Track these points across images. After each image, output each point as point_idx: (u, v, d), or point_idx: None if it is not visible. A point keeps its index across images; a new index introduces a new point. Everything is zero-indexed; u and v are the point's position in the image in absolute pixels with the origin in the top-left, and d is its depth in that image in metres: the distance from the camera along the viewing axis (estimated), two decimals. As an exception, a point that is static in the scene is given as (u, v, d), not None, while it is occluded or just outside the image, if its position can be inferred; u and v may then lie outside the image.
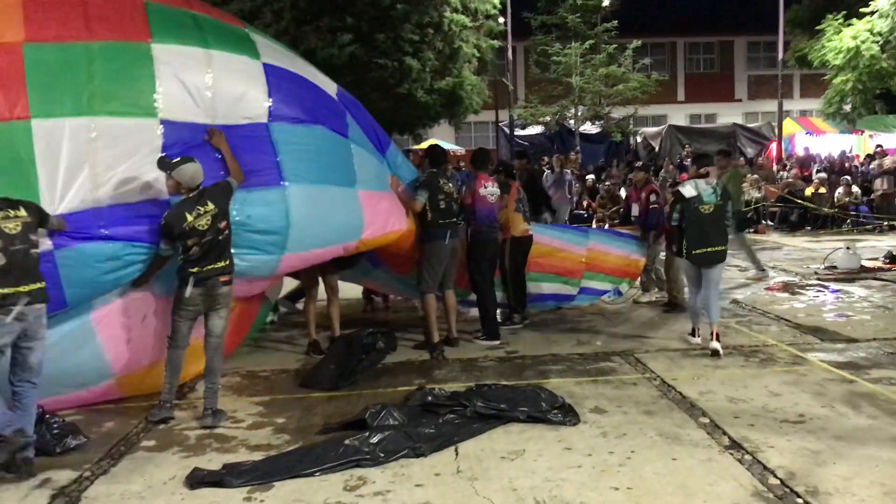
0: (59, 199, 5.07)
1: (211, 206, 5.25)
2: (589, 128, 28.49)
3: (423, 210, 6.86)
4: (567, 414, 5.17)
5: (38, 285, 4.56)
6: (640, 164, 10.63)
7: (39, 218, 4.72)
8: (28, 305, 4.46)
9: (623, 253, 8.53)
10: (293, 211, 5.70)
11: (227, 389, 5.97)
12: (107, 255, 5.15)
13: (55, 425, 4.95)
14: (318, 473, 4.39)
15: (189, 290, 5.22)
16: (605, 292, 8.61)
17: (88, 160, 5.19)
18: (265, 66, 6.00)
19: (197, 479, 4.33)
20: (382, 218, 6.39)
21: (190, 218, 5.14)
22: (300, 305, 8.29)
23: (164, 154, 5.31)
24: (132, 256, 5.26)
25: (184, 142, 5.49)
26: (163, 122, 5.47)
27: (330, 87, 6.69)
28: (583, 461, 4.48)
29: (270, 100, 5.91)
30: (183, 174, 5.18)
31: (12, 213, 4.53)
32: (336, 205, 6.01)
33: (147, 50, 5.55)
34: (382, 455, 4.55)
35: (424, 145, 26.36)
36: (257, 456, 4.70)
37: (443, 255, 7.03)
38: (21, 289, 4.45)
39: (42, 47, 5.29)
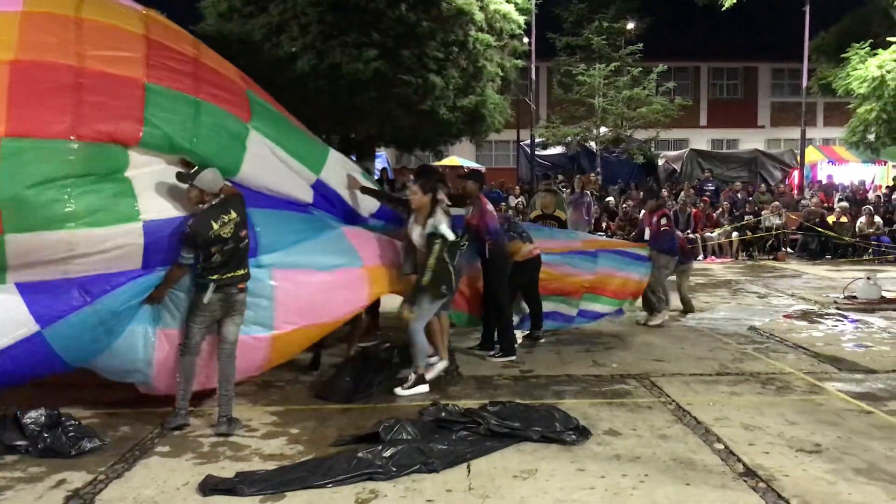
0: None
1: (234, 214, 5.34)
2: (610, 149, 28.49)
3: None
4: (581, 435, 5.16)
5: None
6: (648, 188, 10.64)
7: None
8: None
9: (629, 275, 8.55)
10: None
11: (242, 398, 6.00)
12: None
13: (71, 428, 5.00)
14: (330, 485, 4.41)
15: (208, 297, 5.29)
16: (604, 315, 8.63)
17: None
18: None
19: (210, 487, 4.36)
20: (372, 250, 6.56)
21: (216, 226, 5.22)
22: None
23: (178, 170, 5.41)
24: None
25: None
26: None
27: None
28: (596, 483, 4.46)
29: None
30: (204, 181, 5.25)
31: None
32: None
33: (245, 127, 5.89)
34: (395, 469, 4.56)
35: (445, 162, 26.49)
36: (270, 465, 4.72)
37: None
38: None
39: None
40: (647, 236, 9.53)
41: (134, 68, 5.42)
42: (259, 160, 5.95)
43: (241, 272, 5.41)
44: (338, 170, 6.89)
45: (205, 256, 5.26)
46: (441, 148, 23.81)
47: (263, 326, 5.75)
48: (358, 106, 17.00)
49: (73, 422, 5.07)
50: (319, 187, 6.58)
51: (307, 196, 6.48)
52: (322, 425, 5.50)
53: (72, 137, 4.93)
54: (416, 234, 6.43)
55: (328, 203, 6.74)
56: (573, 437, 5.11)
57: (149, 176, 5.33)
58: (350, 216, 6.96)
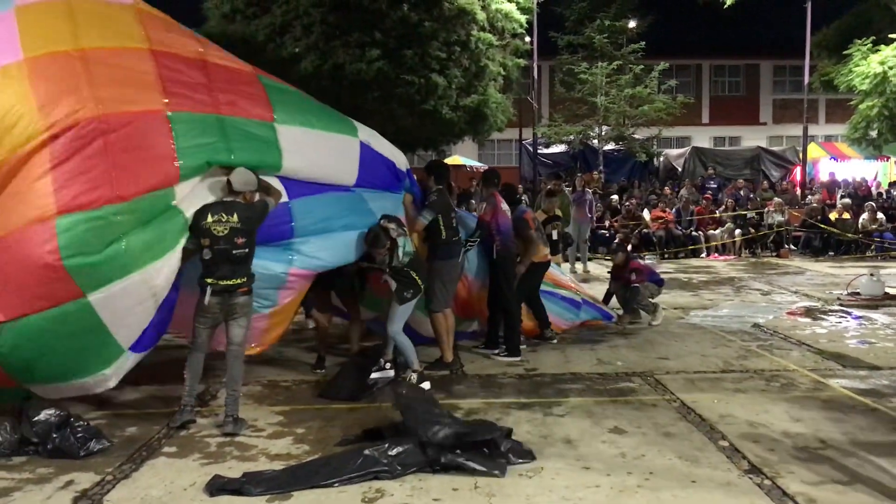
0: None
1: (235, 218, 5.39)
2: (612, 147, 28.48)
3: (436, 228, 6.91)
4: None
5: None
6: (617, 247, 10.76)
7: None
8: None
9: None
10: None
11: (248, 398, 6.03)
12: None
13: (79, 429, 5.02)
14: (336, 484, 4.43)
15: (207, 299, 5.37)
16: (603, 311, 8.95)
17: None
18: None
19: (217, 487, 4.38)
20: None
21: (210, 219, 5.36)
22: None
23: None
24: None
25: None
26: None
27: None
28: (601, 481, 4.48)
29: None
30: (233, 175, 5.52)
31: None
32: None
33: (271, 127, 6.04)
34: (400, 468, 4.57)
35: (449, 161, 26.50)
36: (277, 465, 4.75)
37: (455, 273, 7.09)
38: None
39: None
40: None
41: (152, 98, 5.46)
42: (296, 151, 6.07)
43: (239, 280, 5.43)
44: (368, 131, 6.97)
45: (195, 245, 5.40)
46: (444, 147, 23.87)
47: (264, 307, 6.05)
48: (361, 106, 17.04)
49: (81, 422, 5.09)
50: (364, 150, 6.64)
51: (352, 170, 6.55)
52: (328, 424, 5.52)
53: (115, 203, 5.09)
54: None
55: (374, 167, 6.77)
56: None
57: (192, 194, 5.52)
58: (393, 175, 7.03)
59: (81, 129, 5.08)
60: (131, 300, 5.19)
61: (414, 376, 6.42)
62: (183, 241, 5.42)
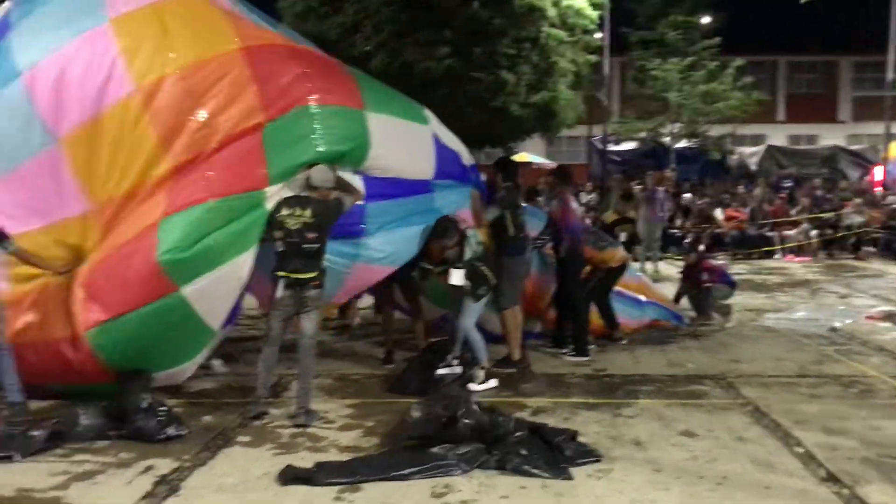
0: None
1: (308, 213, 5.50)
2: (684, 145, 27.94)
3: (504, 225, 6.91)
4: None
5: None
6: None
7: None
8: None
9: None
10: None
11: (319, 391, 6.13)
12: None
13: (160, 414, 5.19)
14: (404, 478, 4.47)
15: (280, 292, 5.49)
16: (672, 312, 8.80)
17: None
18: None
19: (289, 476, 4.47)
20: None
21: (284, 212, 5.50)
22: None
23: None
24: None
25: None
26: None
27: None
28: (672, 484, 4.42)
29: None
30: (313, 171, 5.67)
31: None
32: None
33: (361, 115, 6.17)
34: (468, 465, 4.59)
35: (516, 159, 26.41)
36: (347, 457, 4.82)
37: (523, 270, 7.08)
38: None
39: None
40: None
41: (252, 115, 5.74)
42: (383, 140, 6.17)
43: (311, 274, 5.52)
44: (435, 121, 7.05)
45: (268, 237, 5.56)
46: (511, 144, 23.80)
47: None
48: (429, 103, 17.12)
49: (163, 408, 5.27)
50: (435, 140, 6.73)
51: (430, 162, 6.62)
52: (397, 418, 5.58)
53: (206, 202, 5.49)
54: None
55: (445, 156, 6.85)
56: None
57: (279, 192, 5.73)
58: (461, 167, 7.11)
59: (193, 156, 5.59)
60: (220, 290, 5.53)
61: (481, 373, 6.43)
62: (255, 234, 5.63)
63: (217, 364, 6.82)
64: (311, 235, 5.49)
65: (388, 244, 6.41)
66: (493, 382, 6.37)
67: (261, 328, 7.51)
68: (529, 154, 28.59)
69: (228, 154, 5.67)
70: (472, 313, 6.49)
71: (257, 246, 5.63)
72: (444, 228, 6.40)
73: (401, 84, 16.83)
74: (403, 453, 4.79)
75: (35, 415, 5.35)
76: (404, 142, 6.45)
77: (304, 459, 4.75)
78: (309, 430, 5.33)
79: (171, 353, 5.69)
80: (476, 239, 6.53)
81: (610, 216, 9.53)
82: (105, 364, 5.50)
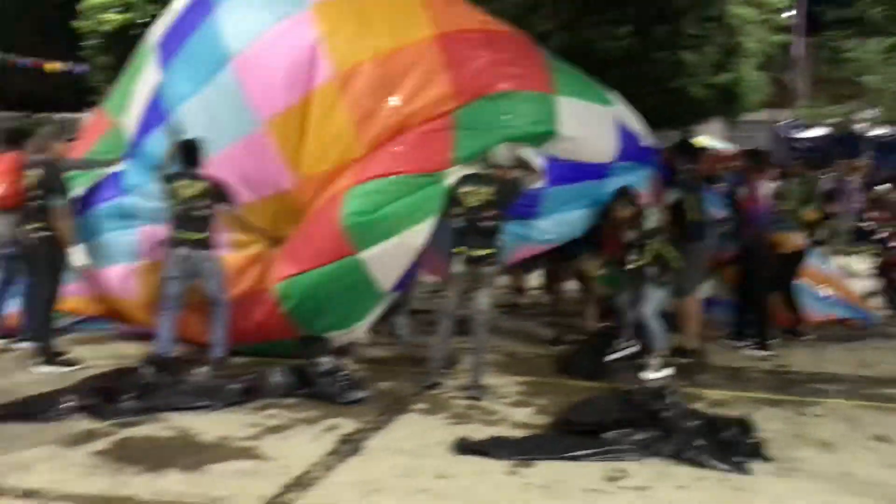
0: None
1: (488, 190, 5.57)
2: (883, 132, 25.82)
3: (685, 209, 6.68)
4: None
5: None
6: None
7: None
8: None
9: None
10: None
11: (491, 366, 6.21)
12: None
13: (342, 378, 5.47)
14: (576, 459, 4.46)
15: (456, 268, 5.63)
16: (863, 311, 8.20)
17: None
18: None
19: (464, 447, 4.57)
20: None
21: (465, 189, 5.61)
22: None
23: None
24: None
25: None
26: None
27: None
28: (867, 490, 4.15)
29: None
30: (497, 150, 5.76)
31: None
32: None
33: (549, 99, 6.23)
34: (642, 452, 4.52)
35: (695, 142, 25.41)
36: (518, 433, 4.88)
37: (704, 256, 6.83)
38: None
39: None
40: None
41: (444, 101, 5.93)
42: (570, 123, 6.19)
43: (487, 251, 5.60)
44: (618, 102, 7.01)
45: (448, 212, 5.67)
46: (689, 128, 22.91)
47: None
48: (608, 84, 16.81)
49: (346, 372, 5.55)
50: (617, 121, 6.66)
51: (612, 144, 6.56)
52: (568, 399, 5.55)
53: (392, 176, 5.80)
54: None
55: (626, 138, 6.78)
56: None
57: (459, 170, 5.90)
58: (641, 149, 7.02)
59: (385, 139, 5.87)
60: (394, 257, 5.78)
61: (656, 362, 6.29)
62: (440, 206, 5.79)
63: (403, 333, 7.14)
64: (489, 213, 5.57)
65: (558, 226, 6.43)
66: (668, 371, 6.22)
67: (436, 302, 7.72)
68: (708, 138, 27.44)
69: (418, 136, 5.89)
70: (655, 300, 6.30)
71: (434, 218, 5.78)
72: (622, 195, 6.28)
73: (579, 64, 16.68)
74: (576, 435, 4.78)
75: (232, 370, 5.79)
76: (590, 125, 6.40)
77: (477, 431, 4.85)
78: (481, 403, 5.43)
79: (344, 313, 6.01)
80: (655, 216, 6.36)
81: (809, 214, 8.78)
82: (286, 317, 5.93)
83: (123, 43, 19.75)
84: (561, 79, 6.32)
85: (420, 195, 5.80)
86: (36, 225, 5.97)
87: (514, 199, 5.80)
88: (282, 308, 5.94)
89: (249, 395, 5.34)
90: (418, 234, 5.78)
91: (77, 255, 6.05)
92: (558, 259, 7.26)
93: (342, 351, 6.12)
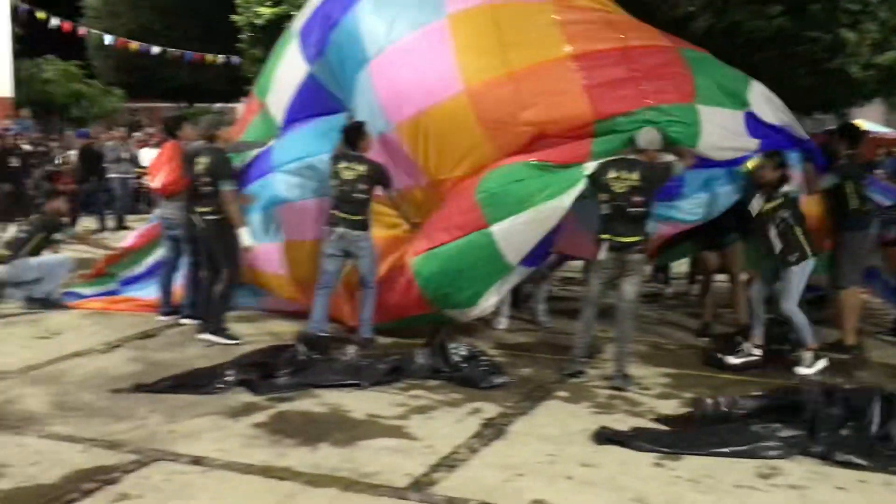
0: None
1: (635, 177, 5.46)
2: None
3: (845, 196, 6.30)
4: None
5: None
6: None
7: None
8: None
9: None
10: None
11: (635, 357, 6.11)
12: None
13: (485, 362, 5.54)
14: (723, 455, 4.32)
15: (602, 255, 5.54)
16: None
17: None
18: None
19: (605, 436, 4.53)
20: None
21: (611, 174, 5.51)
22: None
23: None
24: None
25: None
26: None
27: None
28: None
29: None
30: (641, 132, 5.64)
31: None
32: None
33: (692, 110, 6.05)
34: (791, 450, 4.33)
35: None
36: (663, 425, 4.79)
37: (866, 246, 6.45)
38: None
39: None
40: None
41: (581, 119, 5.87)
42: (710, 132, 6.01)
43: (634, 238, 5.49)
44: (762, 95, 6.60)
45: (593, 198, 5.62)
46: (845, 111, 21.63)
47: None
48: (755, 66, 16.07)
49: (486, 357, 5.62)
50: (751, 122, 6.33)
51: (747, 143, 6.29)
52: (716, 393, 5.38)
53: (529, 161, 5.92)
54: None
55: (764, 133, 6.46)
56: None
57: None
58: (787, 142, 6.64)
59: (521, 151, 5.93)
60: (524, 232, 5.81)
61: (808, 356, 6.00)
62: (577, 187, 5.71)
63: (544, 319, 7.16)
64: (637, 199, 5.46)
65: (700, 206, 6.23)
66: (822, 363, 5.93)
67: (576, 290, 7.67)
68: (866, 121, 25.80)
69: (556, 147, 5.95)
70: (793, 290, 5.99)
71: (569, 198, 5.72)
72: (770, 157, 6.00)
73: (723, 47, 16.02)
74: (721, 430, 4.64)
75: (379, 350, 6.00)
76: (728, 132, 6.12)
77: (620, 422, 4.80)
78: (625, 393, 5.37)
79: (473, 289, 6.05)
80: (796, 195, 6.05)
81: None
82: (420, 293, 6.09)
83: (274, 35, 20.75)
84: (701, 83, 6.07)
85: (556, 175, 5.80)
86: (206, 209, 6.37)
87: (662, 184, 5.66)
88: (416, 284, 6.09)
89: (395, 375, 5.50)
90: (551, 211, 5.75)
91: (245, 236, 6.42)
92: (707, 247, 7.04)
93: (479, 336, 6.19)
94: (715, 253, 6.94)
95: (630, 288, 5.59)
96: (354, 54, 6.51)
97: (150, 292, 7.43)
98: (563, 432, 4.64)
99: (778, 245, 5.89)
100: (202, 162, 6.38)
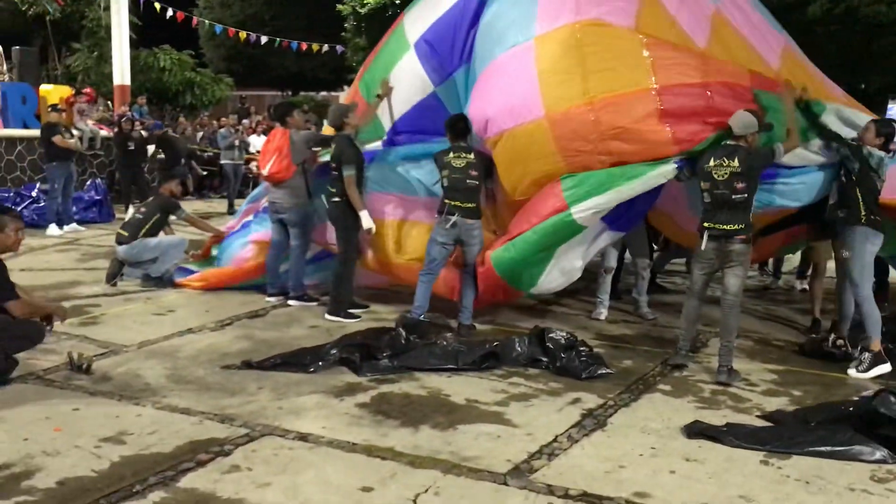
0: None
1: (735, 163, 5.34)
2: None
3: None
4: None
5: None
6: None
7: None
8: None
9: None
10: None
11: (740, 352, 5.97)
12: None
13: (584, 353, 5.50)
14: (826, 456, 4.15)
15: (703, 244, 5.42)
16: None
17: None
18: None
19: (696, 430, 4.43)
20: None
21: (712, 163, 5.41)
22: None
23: None
24: None
25: None
26: None
27: None
28: None
29: None
30: (733, 119, 5.48)
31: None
32: None
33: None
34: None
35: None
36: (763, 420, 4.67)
37: None
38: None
39: None
40: None
41: (662, 149, 5.77)
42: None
43: (737, 226, 5.33)
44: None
45: (691, 184, 5.63)
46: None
47: None
48: (874, 52, 15.35)
49: (585, 348, 5.58)
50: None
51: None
52: (826, 392, 5.24)
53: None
54: None
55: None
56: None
57: None
58: None
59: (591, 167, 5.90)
60: (605, 207, 5.89)
61: (868, 357, 5.62)
62: (665, 167, 5.70)
63: (646, 311, 7.08)
64: (739, 185, 5.31)
65: (802, 188, 6.03)
66: (884, 368, 5.58)
67: (677, 283, 7.51)
68: None
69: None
70: (864, 275, 5.65)
71: (654, 179, 5.73)
72: (879, 121, 5.82)
73: (841, 31, 15.36)
74: (820, 427, 4.46)
75: (477, 336, 6.06)
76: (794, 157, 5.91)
77: (726, 418, 4.68)
78: (730, 389, 5.24)
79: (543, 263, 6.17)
80: (884, 164, 5.73)
81: None
82: (498, 278, 6.23)
83: (379, 24, 21.04)
84: (772, 118, 5.83)
85: (640, 165, 5.77)
86: (332, 191, 6.68)
87: (764, 168, 5.51)
88: (494, 273, 6.22)
89: (494, 361, 5.53)
90: (632, 189, 5.75)
91: (366, 219, 6.61)
92: (818, 237, 6.77)
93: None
94: (826, 243, 6.65)
95: (734, 280, 5.42)
96: (474, 71, 6.70)
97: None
98: (666, 426, 4.56)
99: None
100: (333, 148, 6.69)
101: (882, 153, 5.72)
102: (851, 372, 5.62)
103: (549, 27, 6.16)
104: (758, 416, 4.76)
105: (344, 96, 10.36)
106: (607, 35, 6.02)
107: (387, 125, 7.19)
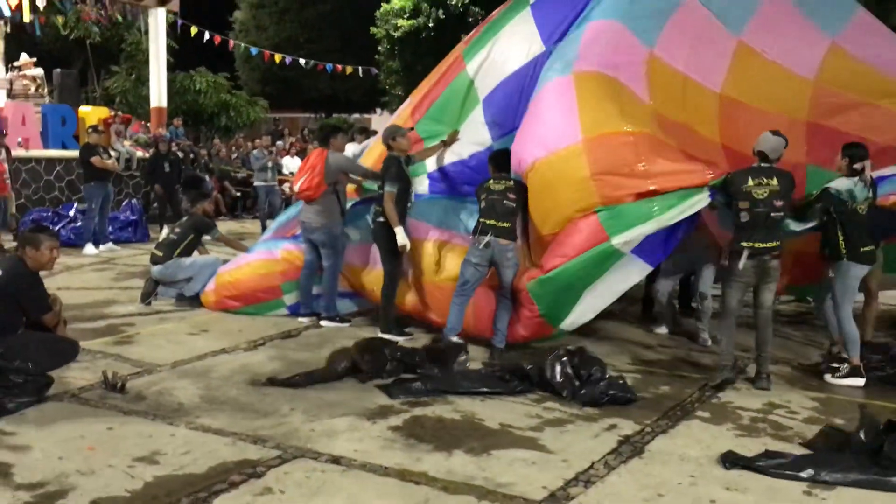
0: None
1: (774, 182, 5.49)
2: None
3: None
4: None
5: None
6: None
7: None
8: None
9: None
10: None
11: (779, 378, 5.87)
12: None
13: (615, 383, 5.37)
14: (860, 485, 4.06)
15: (742, 263, 5.53)
16: None
17: None
18: None
19: (731, 460, 4.30)
20: None
21: (751, 182, 5.50)
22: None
23: None
24: None
25: None
26: None
27: None
28: None
29: None
30: (763, 143, 5.59)
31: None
32: None
33: None
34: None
35: None
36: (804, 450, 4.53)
37: None
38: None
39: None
40: None
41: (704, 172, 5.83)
42: None
43: (773, 244, 5.51)
44: None
45: (735, 210, 5.55)
46: None
47: None
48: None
49: (615, 375, 5.52)
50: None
51: None
52: (868, 420, 5.07)
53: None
54: None
55: None
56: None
57: None
58: None
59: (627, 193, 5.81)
60: (643, 236, 5.78)
61: (846, 367, 5.88)
62: (702, 195, 5.65)
63: (705, 339, 6.98)
64: (778, 203, 5.49)
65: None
66: (857, 381, 5.82)
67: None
68: None
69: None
70: (843, 296, 5.81)
71: (692, 207, 5.64)
72: None
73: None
74: (858, 456, 4.33)
75: (512, 361, 5.97)
76: None
77: (766, 446, 4.56)
78: (770, 416, 5.12)
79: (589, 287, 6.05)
80: (855, 191, 5.71)
81: None
82: (535, 313, 6.14)
83: (410, 47, 21.21)
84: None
85: (676, 193, 5.70)
86: (377, 209, 6.78)
87: (794, 191, 5.68)
88: (531, 304, 6.13)
89: (527, 386, 5.45)
90: (672, 217, 5.65)
91: (400, 236, 6.61)
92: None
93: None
94: (877, 268, 6.50)
95: (769, 295, 5.69)
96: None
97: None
98: (705, 454, 4.46)
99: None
100: (381, 168, 6.88)
101: (848, 183, 5.72)
102: (827, 377, 5.92)
103: (588, 68, 6.32)
104: (799, 444, 4.64)
105: (379, 119, 10.42)
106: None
107: (431, 166, 7.34)
